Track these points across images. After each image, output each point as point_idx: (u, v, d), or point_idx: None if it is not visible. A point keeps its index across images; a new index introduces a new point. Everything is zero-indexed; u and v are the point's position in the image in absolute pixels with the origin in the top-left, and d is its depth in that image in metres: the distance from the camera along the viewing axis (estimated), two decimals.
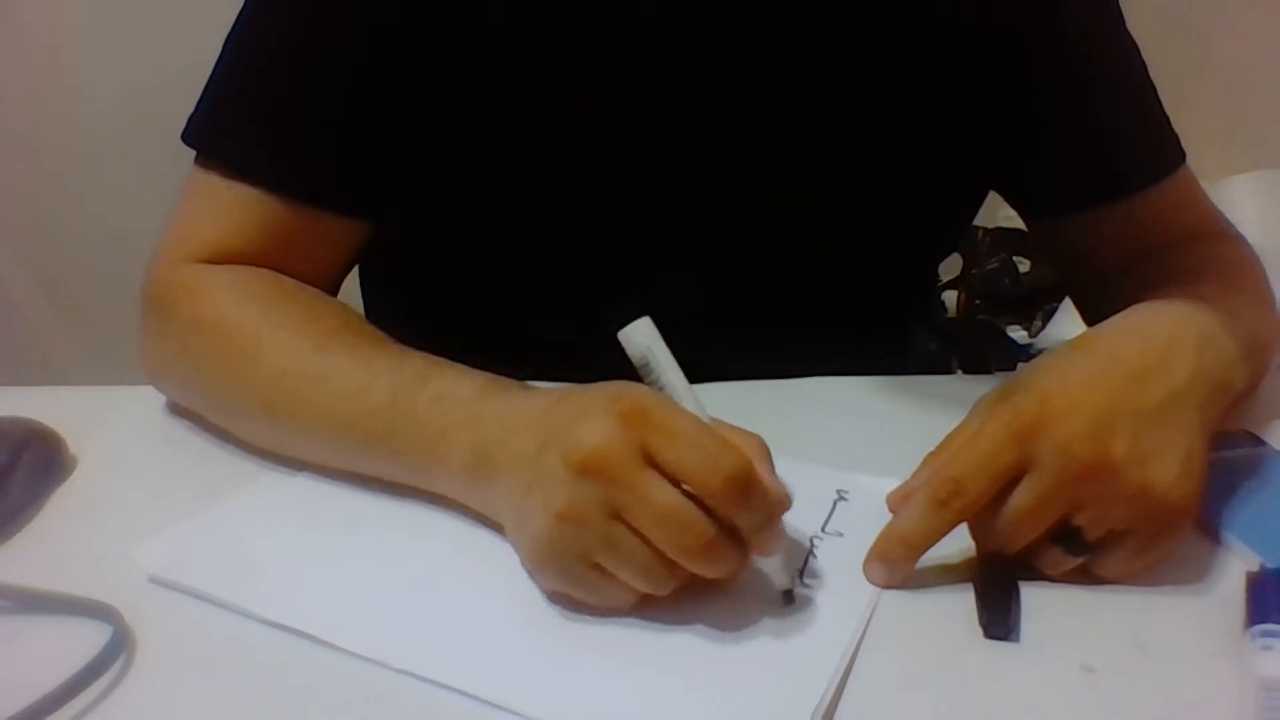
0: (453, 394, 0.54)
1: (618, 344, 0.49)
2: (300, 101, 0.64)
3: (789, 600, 0.49)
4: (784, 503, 0.47)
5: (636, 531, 0.45)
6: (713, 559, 0.45)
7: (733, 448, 0.45)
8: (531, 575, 0.50)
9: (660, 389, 0.48)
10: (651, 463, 0.45)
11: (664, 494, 0.44)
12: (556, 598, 0.49)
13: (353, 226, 0.68)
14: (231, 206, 0.64)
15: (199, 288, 0.63)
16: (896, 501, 0.54)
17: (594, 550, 0.46)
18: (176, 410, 0.65)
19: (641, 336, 0.49)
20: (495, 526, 0.53)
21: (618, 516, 0.45)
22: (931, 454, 0.54)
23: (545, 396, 0.52)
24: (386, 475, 0.56)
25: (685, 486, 0.45)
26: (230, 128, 0.66)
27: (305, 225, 0.65)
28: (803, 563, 0.52)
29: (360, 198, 0.67)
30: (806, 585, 0.50)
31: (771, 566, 0.49)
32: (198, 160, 0.66)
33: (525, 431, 0.49)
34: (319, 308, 0.63)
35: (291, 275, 0.65)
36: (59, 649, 0.44)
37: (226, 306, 0.62)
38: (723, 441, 0.45)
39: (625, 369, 0.49)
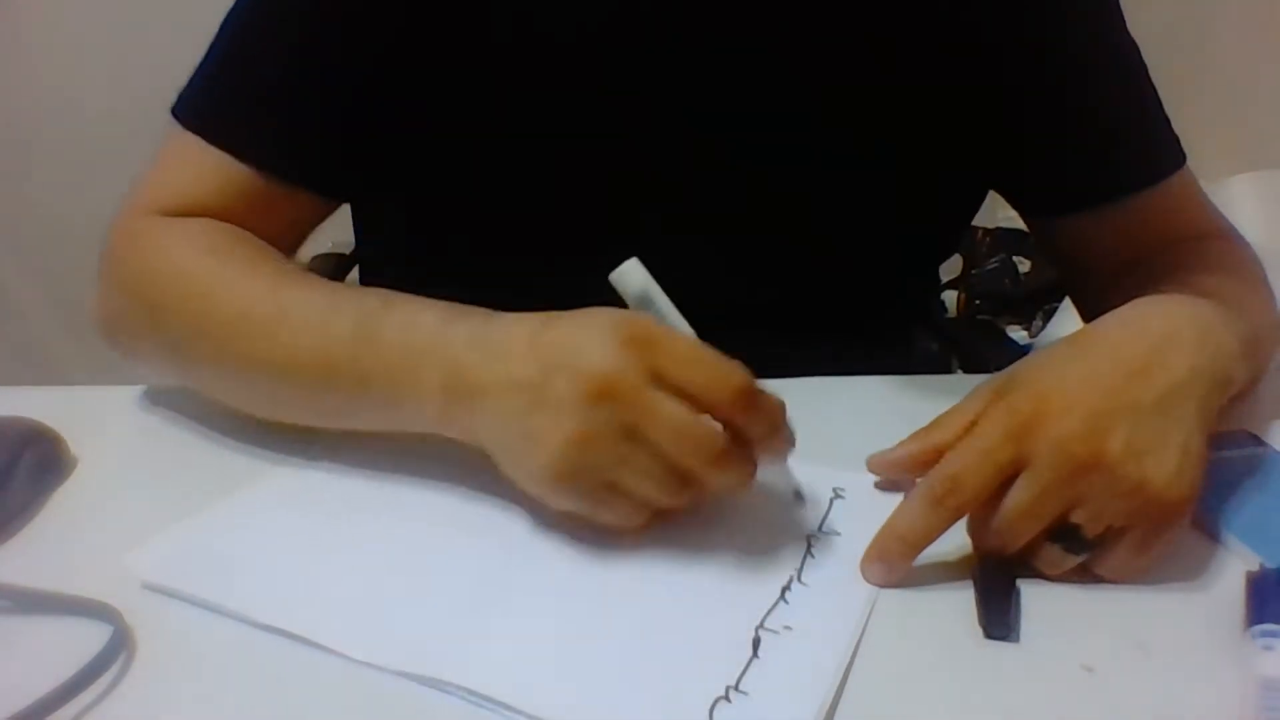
0: (419, 319, 0.54)
1: None
2: (289, 83, 0.65)
3: (800, 499, 0.54)
4: (783, 407, 0.50)
5: (652, 448, 0.48)
6: (727, 466, 0.49)
7: (735, 364, 0.48)
8: (536, 497, 0.51)
9: (662, 319, 0.51)
10: (661, 384, 0.47)
11: (679, 411, 0.47)
12: (564, 519, 0.51)
13: (325, 203, 0.70)
14: (204, 169, 0.65)
15: (152, 236, 0.63)
16: (880, 466, 0.57)
17: (610, 470, 0.48)
18: (177, 410, 0.65)
19: (636, 275, 0.51)
20: (473, 451, 0.53)
21: (631, 436, 0.47)
22: (922, 430, 0.55)
23: (523, 322, 0.52)
24: (351, 410, 0.56)
25: (696, 401, 0.48)
26: (218, 106, 0.66)
27: (277, 195, 0.66)
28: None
29: (344, 179, 0.68)
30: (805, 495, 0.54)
31: (779, 473, 0.53)
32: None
33: (515, 357, 0.50)
34: (275, 256, 0.63)
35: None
36: (59, 649, 0.44)
37: (180, 253, 0.62)
38: (724, 359, 0.49)
39: None
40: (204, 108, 0.66)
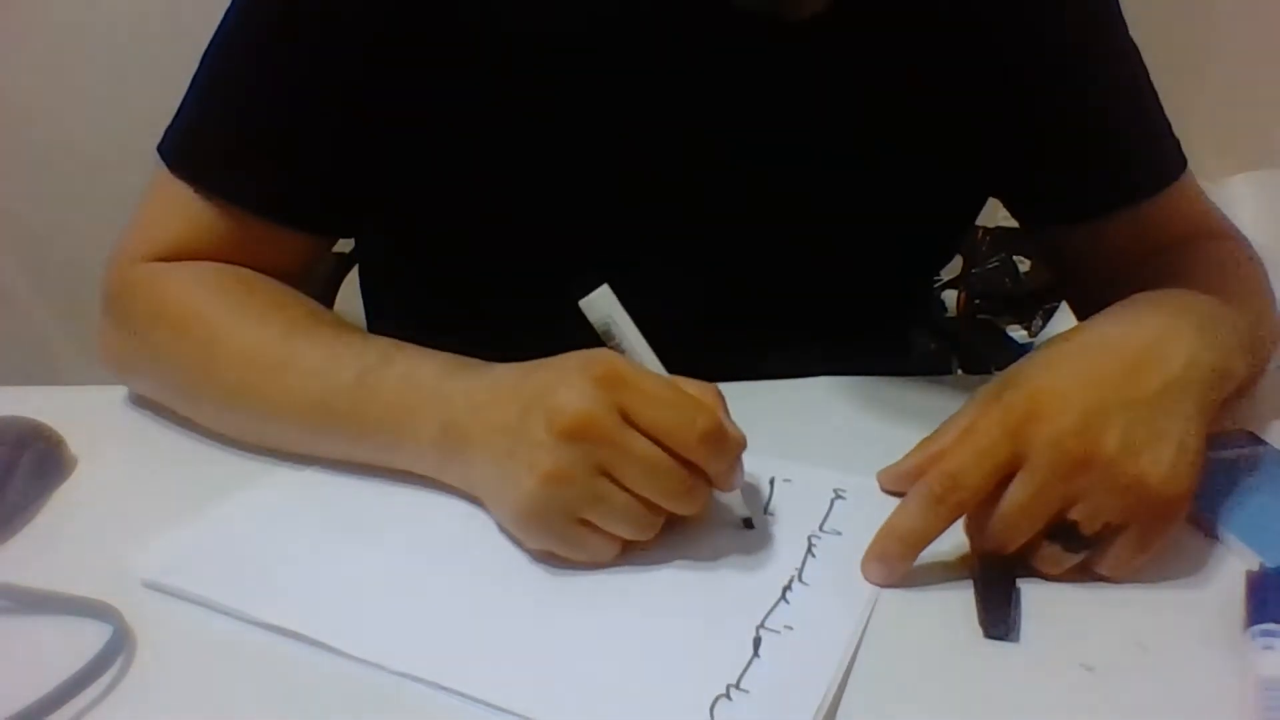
0: (417, 373, 0.56)
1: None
2: (275, 125, 0.64)
3: (749, 526, 0.54)
4: (743, 444, 0.51)
5: (620, 485, 0.48)
6: (691, 499, 0.50)
7: (704, 405, 0.49)
8: (515, 537, 0.52)
9: (623, 352, 0.52)
10: (630, 422, 0.48)
11: (647, 449, 0.48)
12: (541, 556, 0.51)
13: (321, 241, 0.70)
14: (196, 215, 0.65)
15: (157, 282, 0.64)
16: (889, 480, 0.56)
17: (581, 507, 0.49)
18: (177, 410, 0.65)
19: (602, 304, 0.52)
20: (470, 498, 0.55)
21: (603, 473, 0.48)
22: (925, 440, 0.55)
23: (510, 371, 0.54)
24: (348, 455, 0.58)
25: (663, 442, 0.48)
26: (206, 151, 0.65)
27: (272, 237, 0.66)
28: (766, 499, 0.56)
29: (334, 218, 0.69)
30: (770, 515, 0.55)
31: (732, 500, 0.53)
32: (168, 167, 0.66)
33: (499, 404, 0.52)
34: (281, 297, 0.64)
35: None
36: (59, 649, 0.44)
37: (187, 298, 0.62)
38: (693, 400, 0.49)
39: None
40: (192, 153, 0.65)
